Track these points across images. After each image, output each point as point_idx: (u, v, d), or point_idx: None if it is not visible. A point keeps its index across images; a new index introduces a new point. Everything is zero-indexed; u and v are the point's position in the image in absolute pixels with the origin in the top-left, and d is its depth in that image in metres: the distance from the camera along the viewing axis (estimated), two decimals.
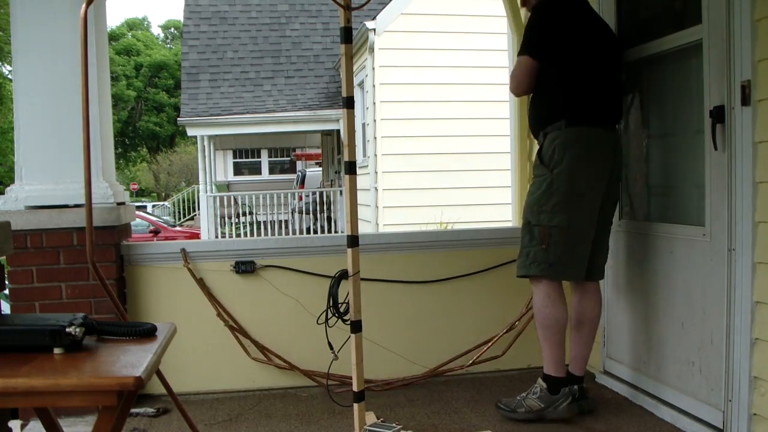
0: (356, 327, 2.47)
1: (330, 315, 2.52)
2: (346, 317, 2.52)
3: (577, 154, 2.72)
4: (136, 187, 30.36)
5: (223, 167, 23.24)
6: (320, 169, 18.87)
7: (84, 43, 2.08)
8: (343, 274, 2.50)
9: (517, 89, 2.89)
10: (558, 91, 2.79)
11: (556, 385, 2.77)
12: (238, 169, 24.41)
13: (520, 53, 2.81)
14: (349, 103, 2.43)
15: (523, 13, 4.06)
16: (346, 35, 2.41)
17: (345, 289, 2.48)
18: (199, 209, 15.77)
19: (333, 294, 2.51)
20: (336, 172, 15.49)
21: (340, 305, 2.52)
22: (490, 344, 3.41)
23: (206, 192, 13.32)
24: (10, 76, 22.96)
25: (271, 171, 24.24)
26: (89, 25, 2.19)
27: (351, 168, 2.46)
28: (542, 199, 2.73)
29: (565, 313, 2.79)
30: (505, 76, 3.72)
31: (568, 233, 2.72)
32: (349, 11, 2.40)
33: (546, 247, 2.71)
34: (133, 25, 42.32)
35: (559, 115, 2.75)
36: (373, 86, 9.99)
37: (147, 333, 1.76)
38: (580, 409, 2.82)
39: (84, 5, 2.08)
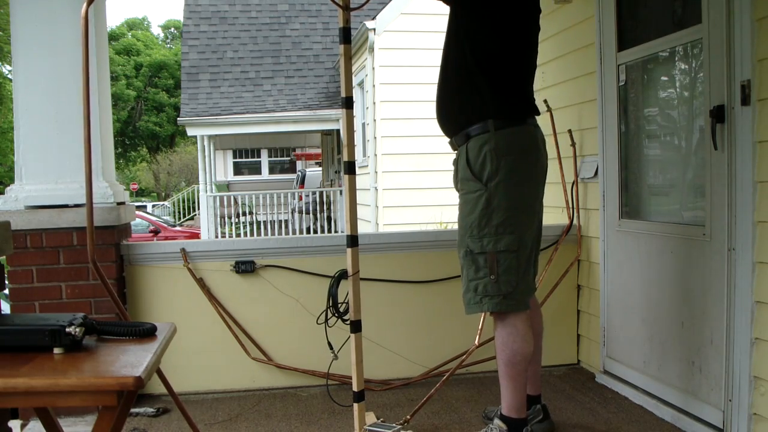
0: (356, 327, 2.47)
1: (330, 315, 2.52)
2: (345, 317, 2.51)
3: (514, 160, 2.29)
4: (136, 187, 30.35)
5: (223, 167, 23.24)
6: (320, 168, 18.87)
7: (85, 42, 2.08)
8: (343, 274, 2.50)
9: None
10: (481, 81, 2.32)
11: (519, 427, 2.41)
12: (238, 169, 24.40)
13: None
14: (348, 104, 2.43)
15: None
16: (345, 36, 2.41)
17: (345, 288, 2.49)
18: (199, 209, 15.77)
19: (332, 294, 2.51)
20: (336, 172, 15.49)
21: (339, 305, 2.51)
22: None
23: (206, 192, 13.32)
24: (10, 76, 22.96)
25: (271, 171, 24.23)
26: (89, 24, 2.19)
27: (350, 168, 2.46)
28: (482, 220, 2.28)
29: (532, 347, 2.38)
30: None
31: (519, 256, 2.30)
32: (348, 12, 2.39)
33: (496, 278, 2.28)
34: (133, 25, 42.30)
35: (485, 113, 2.30)
36: (373, 86, 9.99)
37: (147, 333, 1.76)
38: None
39: (85, 5, 2.08)
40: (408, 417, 2.82)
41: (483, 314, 2.75)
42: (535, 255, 2.49)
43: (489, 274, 2.29)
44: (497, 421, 2.44)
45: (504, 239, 2.29)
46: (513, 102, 2.36)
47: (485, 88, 2.33)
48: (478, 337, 3.03)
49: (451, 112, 2.43)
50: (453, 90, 2.41)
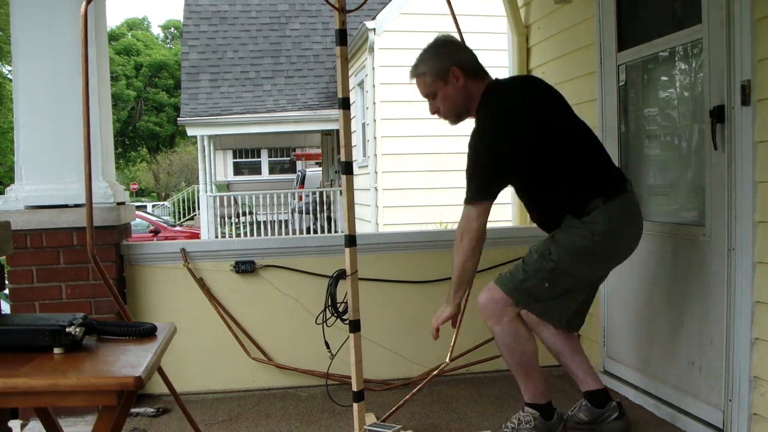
0: (355, 327, 2.47)
1: (329, 315, 2.52)
2: (345, 317, 2.51)
3: (621, 227, 2.49)
4: (136, 187, 30.35)
5: (223, 167, 23.25)
6: (320, 169, 18.87)
7: (84, 41, 2.08)
8: (341, 274, 2.50)
9: (472, 238, 2.46)
10: (570, 179, 2.49)
11: (549, 410, 2.59)
12: (238, 169, 24.41)
13: (467, 200, 2.46)
14: (344, 105, 2.43)
15: (511, 36, 4.05)
16: (341, 37, 2.41)
17: (343, 288, 2.49)
18: (199, 209, 15.76)
19: (331, 294, 2.51)
20: (336, 172, 15.48)
21: (338, 305, 2.52)
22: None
23: (206, 192, 13.32)
24: (10, 76, 22.97)
25: (271, 171, 24.24)
26: (89, 24, 2.19)
27: (348, 168, 2.46)
28: (574, 249, 2.46)
29: (535, 341, 2.57)
30: (505, 76, 3.72)
31: (569, 282, 2.52)
32: (344, 14, 2.39)
33: (549, 287, 2.48)
34: (133, 25, 42.31)
35: (594, 194, 2.45)
36: (373, 86, 9.99)
37: (147, 333, 1.76)
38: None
39: (84, 3, 2.08)
40: (395, 407, 2.82)
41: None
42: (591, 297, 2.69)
43: (545, 279, 2.47)
44: (528, 409, 2.58)
45: (577, 267, 2.49)
46: (610, 180, 2.53)
47: (583, 181, 2.50)
48: (451, 350, 3.01)
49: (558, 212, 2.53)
50: (548, 197, 2.55)
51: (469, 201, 2.47)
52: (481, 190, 2.46)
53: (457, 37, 2.81)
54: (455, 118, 2.60)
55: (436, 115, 2.64)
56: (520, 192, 2.65)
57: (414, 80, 2.61)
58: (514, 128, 2.44)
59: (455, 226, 2.57)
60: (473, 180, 2.48)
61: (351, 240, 2.44)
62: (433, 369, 3.44)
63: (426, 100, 2.61)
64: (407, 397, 2.91)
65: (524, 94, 2.57)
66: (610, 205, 2.44)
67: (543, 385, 2.59)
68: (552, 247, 2.47)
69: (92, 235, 2.17)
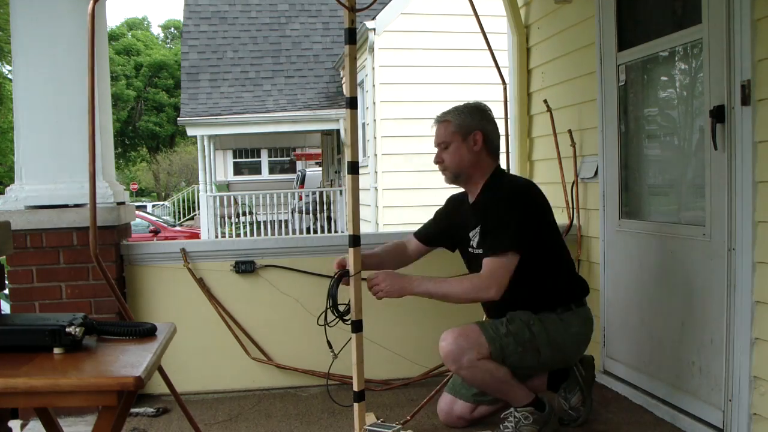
0: (357, 327, 2.47)
1: (331, 317, 2.51)
2: (346, 318, 2.51)
3: (586, 332, 2.69)
4: (136, 187, 30.35)
5: (223, 167, 23.22)
6: (320, 168, 18.86)
7: (91, 40, 2.08)
8: (344, 274, 2.50)
9: (499, 293, 2.48)
10: (556, 275, 2.64)
11: (539, 403, 2.64)
12: (238, 169, 24.39)
13: (505, 249, 2.48)
14: (352, 104, 2.42)
15: (513, 27, 4.05)
16: (351, 36, 2.40)
17: (344, 288, 2.49)
18: (199, 209, 15.76)
19: (332, 294, 2.51)
20: (336, 172, 15.48)
21: (340, 305, 2.51)
22: None
23: (206, 192, 13.31)
24: (10, 76, 22.96)
25: (271, 171, 24.22)
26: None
27: (353, 168, 2.45)
28: (550, 336, 2.57)
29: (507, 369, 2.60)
30: (505, 76, 3.72)
31: (535, 361, 2.60)
32: (354, 13, 2.38)
33: (521, 351, 2.53)
34: (133, 25, 42.29)
35: (568, 298, 2.63)
36: (373, 86, 9.99)
37: (147, 333, 1.76)
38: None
39: (91, 2, 2.08)
40: (408, 417, 2.83)
41: None
42: None
43: (519, 344, 2.53)
44: (521, 408, 2.60)
45: (544, 350, 2.57)
46: (580, 288, 2.73)
47: (563, 281, 2.68)
48: None
49: (521, 301, 2.62)
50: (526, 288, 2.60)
51: (501, 250, 2.48)
52: (515, 239, 2.48)
53: (480, 36, 2.88)
54: (454, 177, 2.69)
55: (437, 166, 2.72)
56: None
57: (435, 125, 2.70)
58: (540, 209, 2.61)
59: None
60: (509, 230, 2.50)
61: (355, 240, 2.44)
62: (436, 367, 3.45)
63: (437, 147, 2.69)
64: (444, 381, 2.94)
65: (537, 188, 2.69)
66: (581, 310, 2.66)
67: (524, 388, 2.63)
68: (535, 321, 2.56)
69: (95, 235, 2.18)
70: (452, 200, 2.92)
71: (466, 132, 2.62)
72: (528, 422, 2.59)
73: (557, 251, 2.67)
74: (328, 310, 2.50)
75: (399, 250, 2.90)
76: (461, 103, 2.72)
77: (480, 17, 3.58)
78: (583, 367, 2.77)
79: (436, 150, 2.71)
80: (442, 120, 2.68)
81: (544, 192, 2.70)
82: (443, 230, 2.88)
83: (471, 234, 2.68)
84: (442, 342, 2.54)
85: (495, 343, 2.52)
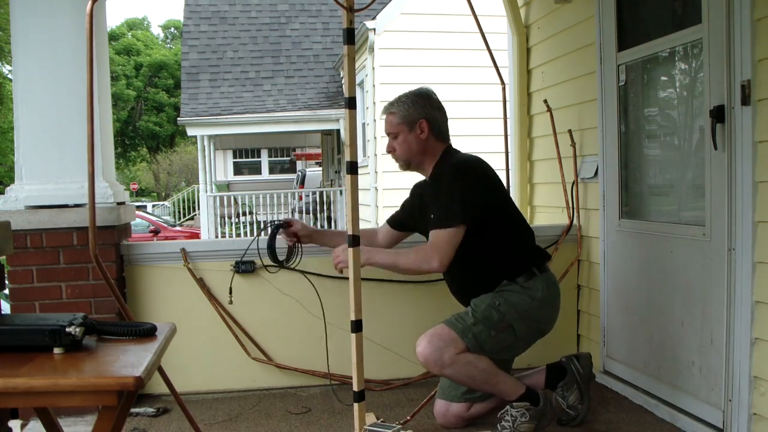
0: (357, 327, 2.46)
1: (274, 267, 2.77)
2: (289, 264, 2.81)
3: (552, 297, 2.69)
4: (136, 187, 30.35)
5: (223, 167, 23.23)
6: (320, 168, 18.86)
7: (90, 40, 2.08)
8: (279, 226, 2.77)
9: (442, 265, 2.55)
10: (513, 244, 2.67)
11: (531, 396, 2.62)
12: (238, 169, 24.39)
13: (447, 222, 2.53)
14: (351, 104, 2.42)
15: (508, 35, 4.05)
16: (349, 36, 2.40)
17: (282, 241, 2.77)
18: (199, 209, 15.75)
19: (270, 246, 2.78)
20: (336, 172, 15.48)
21: (279, 255, 2.80)
22: None
23: (206, 192, 13.31)
24: (10, 76, 22.96)
25: (271, 171, 24.22)
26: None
27: (353, 168, 2.46)
28: (518, 310, 2.58)
29: (486, 357, 2.59)
30: (505, 76, 3.72)
31: (516, 345, 2.65)
32: (352, 13, 2.39)
33: (494, 334, 2.55)
34: (133, 25, 42.28)
35: (528, 264, 2.64)
36: (373, 86, 9.99)
37: (147, 333, 1.76)
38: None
39: (90, 2, 2.08)
40: (408, 417, 2.83)
41: None
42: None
43: (491, 328, 2.55)
44: (515, 404, 2.58)
45: (519, 324, 2.59)
46: (540, 255, 2.74)
47: (520, 250, 2.69)
48: None
49: (479, 276, 2.68)
50: (483, 257, 2.64)
51: (444, 223, 2.54)
52: (458, 212, 2.53)
53: (479, 35, 2.96)
54: (405, 165, 2.78)
55: (390, 154, 2.79)
56: (461, 250, 2.62)
57: (384, 116, 2.80)
58: (485, 180, 2.63)
59: None
60: (450, 204, 2.55)
61: (355, 240, 2.44)
62: None
63: (388, 137, 2.77)
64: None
65: (483, 162, 2.71)
66: (544, 276, 2.66)
67: (513, 379, 2.66)
68: (499, 300, 2.59)
69: (95, 235, 2.18)
70: (416, 186, 3.01)
71: (412, 122, 2.71)
72: (525, 419, 2.58)
73: (512, 221, 2.70)
74: (270, 260, 2.80)
75: (367, 235, 3.02)
76: (406, 91, 2.82)
77: (480, 17, 3.58)
78: (580, 365, 2.77)
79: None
80: (388, 111, 2.76)
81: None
82: (409, 214, 3.01)
83: (431, 215, 2.73)
84: (418, 348, 2.55)
85: (467, 335, 2.53)
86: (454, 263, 2.59)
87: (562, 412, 2.74)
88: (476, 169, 2.65)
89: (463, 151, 2.80)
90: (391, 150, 2.77)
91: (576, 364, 2.76)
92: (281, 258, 2.91)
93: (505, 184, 2.90)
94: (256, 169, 24.26)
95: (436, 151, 2.73)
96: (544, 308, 2.66)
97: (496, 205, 2.65)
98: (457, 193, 2.56)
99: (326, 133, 16.45)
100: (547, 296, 2.65)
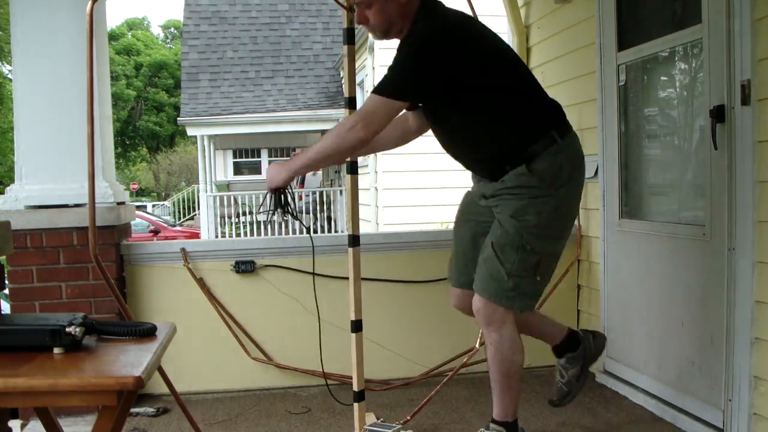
0: (357, 326, 2.47)
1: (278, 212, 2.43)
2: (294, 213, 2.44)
3: (581, 167, 2.32)
4: (136, 186, 30.34)
5: (223, 167, 23.21)
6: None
7: (90, 40, 2.08)
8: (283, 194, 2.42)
9: (367, 132, 2.14)
10: (521, 104, 2.28)
11: (515, 428, 2.40)
12: (238, 169, 24.37)
13: (380, 90, 2.15)
14: (351, 104, 2.42)
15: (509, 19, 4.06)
16: (349, 36, 2.40)
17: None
18: (199, 209, 15.75)
19: (277, 201, 2.44)
20: (336, 172, 15.47)
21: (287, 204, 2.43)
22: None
23: (206, 192, 13.32)
24: (10, 76, 22.96)
25: None
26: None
27: (353, 168, 2.46)
28: (551, 223, 2.25)
29: (524, 355, 2.39)
30: None
31: (556, 262, 2.37)
32: (352, 13, 2.38)
33: (540, 279, 2.29)
34: (133, 25, 42.29)
35: (543, 126, 2.25)
36: (373, 86, 9.98)
37: (147, 333, 1.76)
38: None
39: (90, 2, 2.08)
40: (408, 417, 2.83)
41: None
42: None
43: (535, 274, 2.27)
44: (493, 426, 2.39)
45: (558, 244, 2.33)
46: (558, 110, 2.34)
47: (526, 108, 2.28)
48: (479, 340, 3.02)
49: (488, 148, 2.32)
50: (483, 129, 2.29)
51: (377, 90, 2.14)
52: (395, 85, 2.15)
53: None
54: (383, 34, 2.30)
55: (360, 26, 2.35)
56: (444, 124, 2.34)
57: None
58: (456, 47, 2.19)
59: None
60: (396, 73, 2.17)
61: (354, 240, 2.44)
62: (436, 367, 3.45)
63: (356, 6, 2.28)
64: (445, 380, 2.91)
65: (470, 18, 2.38)
66: (566, 140, 2.25)
67: (516, 403, 2.41)
68: (525, 235, 2.22)
69: (95, 235, 2.18)
70: None
71: None
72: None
73: (511, 81, 2.27)
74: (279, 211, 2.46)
75: (400, 120, 2.50)
76: None
77: (480, 17, 3.57)
78: (594, 344, 2.64)
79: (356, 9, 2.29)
80: None
81: None
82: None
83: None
84: (474, 302, 2.32)
85: (516, 301, 2.27)
86: (457, 137, 2.31)
87: (558, 387, 2.62)
88: (446, 33, 2.19)
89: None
90: (363, 21, 2.27)
91: (590, 342, 2.63)
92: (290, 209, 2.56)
93: None
94: (256, 169, 24.22)
95: (412, 9, 2.26)
96: (573, 197, 2.32)
97: (482, 69, 2.20)
98: (409, 64, 2.18)
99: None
100: (573, 160, 2.27)
